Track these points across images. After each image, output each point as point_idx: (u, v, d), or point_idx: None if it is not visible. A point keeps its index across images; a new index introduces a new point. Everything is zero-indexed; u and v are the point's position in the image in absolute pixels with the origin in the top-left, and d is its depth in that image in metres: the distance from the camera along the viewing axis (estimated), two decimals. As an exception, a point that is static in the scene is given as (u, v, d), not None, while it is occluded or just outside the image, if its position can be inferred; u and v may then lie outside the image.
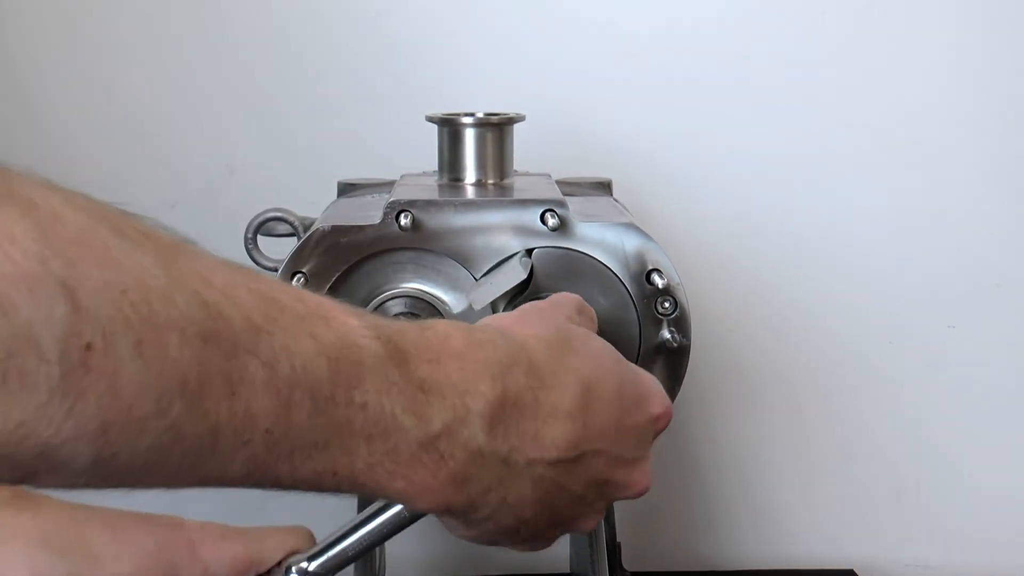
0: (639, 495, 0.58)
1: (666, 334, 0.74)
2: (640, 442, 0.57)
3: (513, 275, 0.72)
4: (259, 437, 0.41)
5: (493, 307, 0.72)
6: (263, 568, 0.56)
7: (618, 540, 0.98)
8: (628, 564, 1.04)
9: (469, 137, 0.83)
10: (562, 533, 0.57)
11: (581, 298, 0.65)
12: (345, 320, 0.44)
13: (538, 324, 0.56)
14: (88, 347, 0.36)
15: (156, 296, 0.37)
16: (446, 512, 0.50)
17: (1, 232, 0.34)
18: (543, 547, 0.57)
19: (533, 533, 0.55)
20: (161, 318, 0.37)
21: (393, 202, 0.73)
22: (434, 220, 0.73)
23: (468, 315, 0.73)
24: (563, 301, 0.64)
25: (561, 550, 0.94)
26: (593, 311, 0.65)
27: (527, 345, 0.52)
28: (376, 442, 0.45)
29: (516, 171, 0.86)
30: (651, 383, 0.60)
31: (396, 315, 0.74)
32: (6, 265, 0.34)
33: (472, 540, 0.54)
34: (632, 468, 0.57)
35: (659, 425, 0.59)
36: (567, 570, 0.95)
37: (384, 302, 0.74)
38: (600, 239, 0.74)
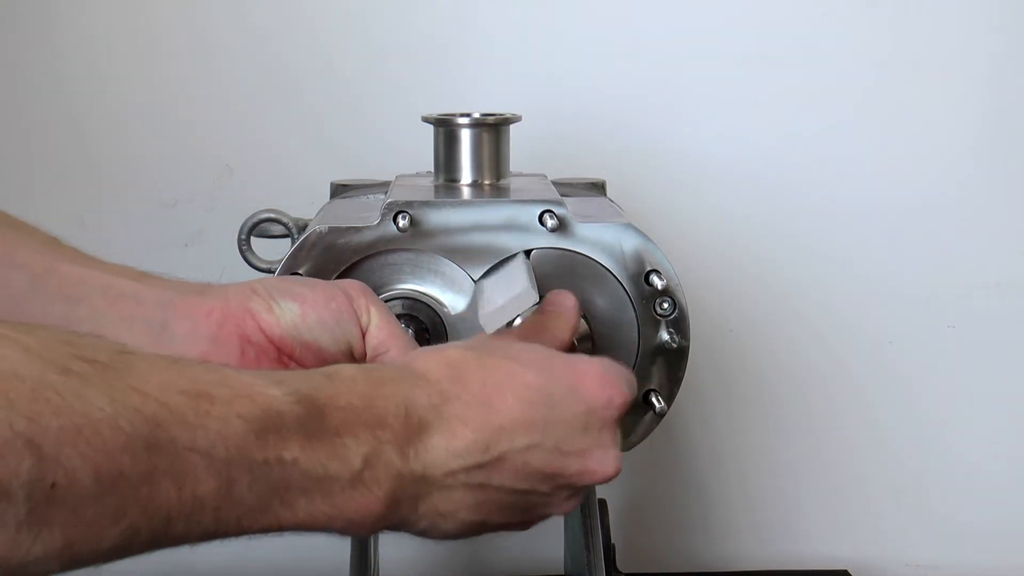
0: (605, 481, 0.59)
1: (665, 335, 0.74)
2: (586, 430, 0.58)
3: (526, 298, 0.68)
4: (208, 516, 0.46)
5: None
6: None
7: (612, 542, 0.97)
8: (623, 566, 1.03)
9: (465, 138, 0.83)
10: (536, 521, 0.60)
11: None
12: (267, 392, 0.49)
13: (435, 351, 0.59)
14: (52, 486, 0.40)
15: (105, 427, 0.42)
16: (385, 530, 0.54)
17: None
18: (524, 529, 0.60)
19: (500, 525, 0.58)
20: (112, 445, 0.42)
21: (391, 203, 0.73)
22: (432, 221, 0.73)
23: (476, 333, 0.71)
24: None
25: (556, 551, 0.94)
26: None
27: (426, 370, 0.56)
28: (312, 493, 0.49)
29: (511, 172, 0.86)
30: (591, 371, 0.59)
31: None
32: None
33: (441, 540, 0.57)
34: (584, 457, 0.57)
35: (609, 412, 0.58)
36: (561, 572, 0.94)
37: (381, 303, 0.73)
38: (598, 240, 0.74)
